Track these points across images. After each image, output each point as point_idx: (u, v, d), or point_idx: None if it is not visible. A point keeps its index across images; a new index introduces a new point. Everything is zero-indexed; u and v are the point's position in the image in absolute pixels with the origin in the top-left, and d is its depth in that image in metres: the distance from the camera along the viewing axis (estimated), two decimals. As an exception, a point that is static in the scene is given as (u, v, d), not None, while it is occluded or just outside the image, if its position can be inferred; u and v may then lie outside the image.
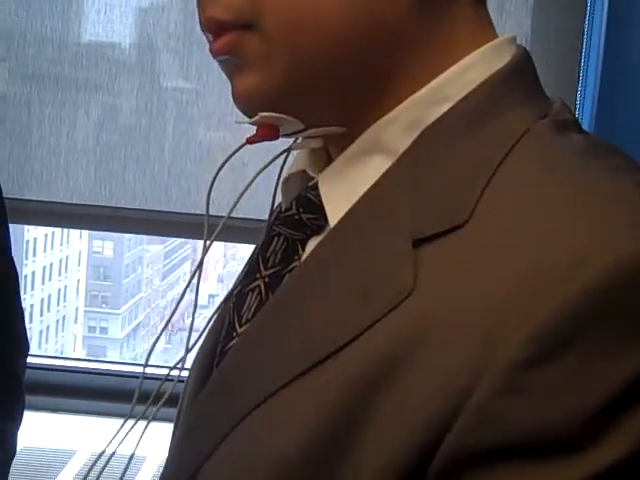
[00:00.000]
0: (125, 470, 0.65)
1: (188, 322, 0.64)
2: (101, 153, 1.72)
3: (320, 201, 0.56)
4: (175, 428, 0.65)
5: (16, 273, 1.13)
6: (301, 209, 0.58)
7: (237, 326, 0.59)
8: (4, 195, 1.12)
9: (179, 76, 1.71)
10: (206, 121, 1.71)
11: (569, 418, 0.42)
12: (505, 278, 0.45)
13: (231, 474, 0.52)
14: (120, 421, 0.64)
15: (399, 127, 0.53)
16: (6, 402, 1.12)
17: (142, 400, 0.64)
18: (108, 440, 0.64)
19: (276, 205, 0.66)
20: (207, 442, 0.54)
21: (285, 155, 0.62)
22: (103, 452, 0.64)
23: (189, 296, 0.66)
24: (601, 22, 1.61)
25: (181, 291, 0.68)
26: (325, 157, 0.59)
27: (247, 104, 0.55)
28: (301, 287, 0.54)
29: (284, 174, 0.63)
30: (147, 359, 0.66)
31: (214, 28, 0.53)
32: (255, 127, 0.56)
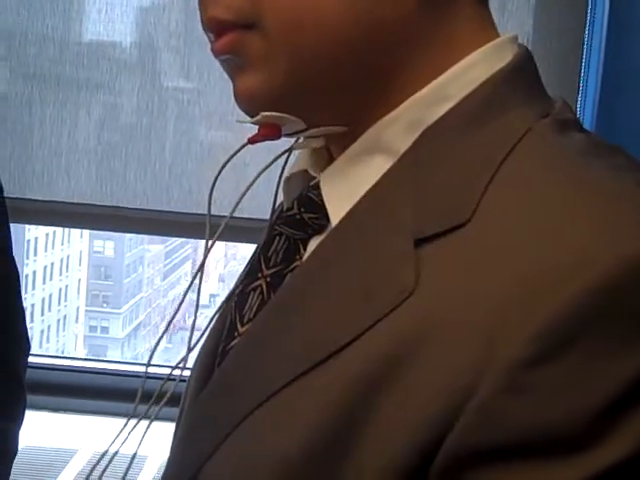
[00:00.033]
0: (127, 470, 0.65)
1: (189, 322, 0.64)
2: (102, 153, 1.72)
3: (321, 201, 0.56)
4: (177, 428, 0.65)
5: (17, 272, 1.13)
6: (302, 209, 0.58)
7: (239, 326, 0.59)
8: (5, 194, 1.13)
9: (180, 75, 1.71)
10: (207, 120, 1.71)
11: (571, 417, 0.42)
12: (507, 277, 0.45)
13: (233, 474, 0.52)
14: (121, 420, 0.64)
15: (400, 126, 0.53)
16: (7, 402, 1.12)
17: (144, 399, 0.64)
18: (110, 439, 0.64)
19: (277, 205, 0.66)
20: (209, 442, 0.54)
21: (287, 155, 0.62)
22: (106, 451, 0.64)
23: (190, 296, 0.66)
24: (602, 22, 1.61)
25: (182, 291, 0.68)
26: (326, 157, 0.59)
27: (249, 103, 0.55)
28: (303, 287, 0.54)
29: (285, 174, 0.63)
30: (150, 359, 0.66)
31: (216, 28, 0.54)
32: (256, 127, 0.56)
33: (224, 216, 0.60)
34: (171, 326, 0.68)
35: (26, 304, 1.17)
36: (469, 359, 0.44)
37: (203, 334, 0.65)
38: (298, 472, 0.48)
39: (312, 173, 0.59)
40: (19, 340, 1.14)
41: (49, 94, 1.70)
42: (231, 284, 0.67)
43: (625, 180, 0.48)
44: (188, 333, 0.64)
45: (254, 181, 0.59)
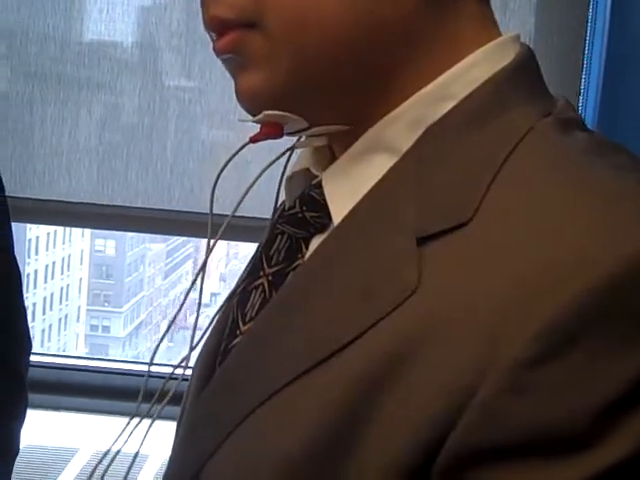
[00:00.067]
0: (129, 468, 0.65)
1: (190, 320, 0.64)
2: (103, 152, 1.72)
3: (324, 199, 0.56)
4: (178, 426, 0.65)
5: (19, 272, 1.13)
6: (305, 207, 0.58)
7: (241, 324, 0.59)
8: (6, 194, 1.13)
9: (181, 75, 1.71)
10: (209, 119, 1.71)
11: (573, 416, 0.42)
12: (508, 277, 0.45)
13: (235, 472, 0.52)
14: (121, 419, 0.64)
15: (403, 125, 0.53)
16: (9, 400, 1.12)
17: (145, 398, 0.64)
18: (112, 438, 0.64)
19: (279, 203, 0.66)
20: (210, 440, 0.54)
21: (289, 153, 0.62)
22: (109, 450, 0.64)
23: (192, 295, 0.66)
24: (604, 20, 1.61)
25: (183, 290, 0.68)
26: (329, 155, 0.59)
27: (251, 102, 0.55)
28: (305, 285, 0.54)
29: (287, 172, 0.63)
30: (152, 358, 0.66)
31: (217, 27, 0.53)
32: (258, 125, 0.56)
33: (226, 215, 0.60)
34: (173, 325, 0.68)
35: (27, 303, 1.17)
36: (472, 358, 0.44)
37: (205, 333, 0.65)
38: (300, 471, 0.48)
39: (314, 172, 0.59)
40: (21, 339, 1.14)
41: (50, 93, 1.70)
42: (232, 283, 0.67)
43: (627, 179, 0.48)
44: (189, 332, 0.64)
45: (256, 180, 0.59)
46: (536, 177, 0.48)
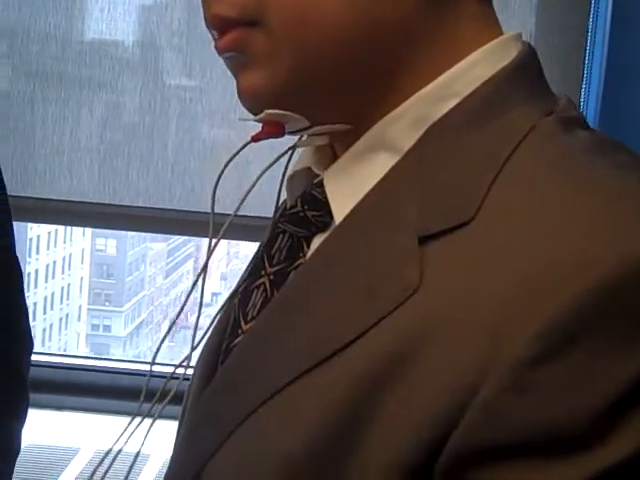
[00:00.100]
0: (131, 468, 0.65)
1: (191, 320, 0.64)
2: (104, 151, 1.72)
3: (325, 198, 0.56)
4: (180, 426, 0.65)
5: (20, 271, 1.13)
6: (306, 206, 0.58)
7: (242, 323, 0.59)
8: (7, 193, 1.12)
9: (182, 74, 1.71)
10: (210, 118, 1.71)
11: (574, 416, 0.42)
12: (509, 276, 0.45)
13: (236, 472, 0.52)
14: (123, 418, 0.64)
15: (404, 124, 0.53)
16: (10, 400, 1.12)
17: (147, 398, 0.64)
18: (114, 438, 0.64)
19: (281, 202, 0.65)
20: (212, 440, 0.54)
21: (290, 152, 0.62)
22: (110, 450, 0.64)
23: (193, 294, 0.66)
24: (605, 19, 1.61)
25: (184, 289, 0.68)
26: (330, 154, 0.59)
27: (253, 101, 0.55)
28: (306, 284, 0.54)
29: (289, 171, 0.62)
30: (154, 357, 0.66)
31: (219, 25, 0.53)
32: (259, 125, 0.56)
33: (227, 214, 0.60)
34: (174, 324, 0.68)
35: (28, 302, 1.17)
36: (473, 357, 0.44)
37: (206, 333, 0.65)
38: (302, 470, 0.48)
39: (316, 171, 0.59)
40: (22, 338, 1.14)
41: (51, 92, 1.70)
42: (233, 282, 0.67)
43: (628, 178, 0.48)
44: (190, 331, 0.64)
45: (258, 179, 0.59)
46: (538, 176, 0.48)
